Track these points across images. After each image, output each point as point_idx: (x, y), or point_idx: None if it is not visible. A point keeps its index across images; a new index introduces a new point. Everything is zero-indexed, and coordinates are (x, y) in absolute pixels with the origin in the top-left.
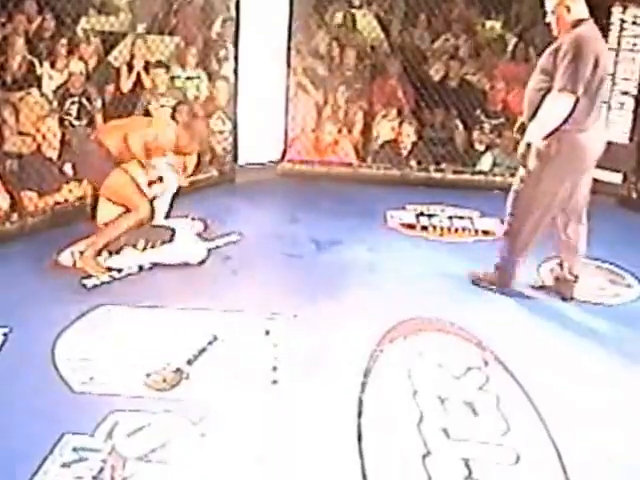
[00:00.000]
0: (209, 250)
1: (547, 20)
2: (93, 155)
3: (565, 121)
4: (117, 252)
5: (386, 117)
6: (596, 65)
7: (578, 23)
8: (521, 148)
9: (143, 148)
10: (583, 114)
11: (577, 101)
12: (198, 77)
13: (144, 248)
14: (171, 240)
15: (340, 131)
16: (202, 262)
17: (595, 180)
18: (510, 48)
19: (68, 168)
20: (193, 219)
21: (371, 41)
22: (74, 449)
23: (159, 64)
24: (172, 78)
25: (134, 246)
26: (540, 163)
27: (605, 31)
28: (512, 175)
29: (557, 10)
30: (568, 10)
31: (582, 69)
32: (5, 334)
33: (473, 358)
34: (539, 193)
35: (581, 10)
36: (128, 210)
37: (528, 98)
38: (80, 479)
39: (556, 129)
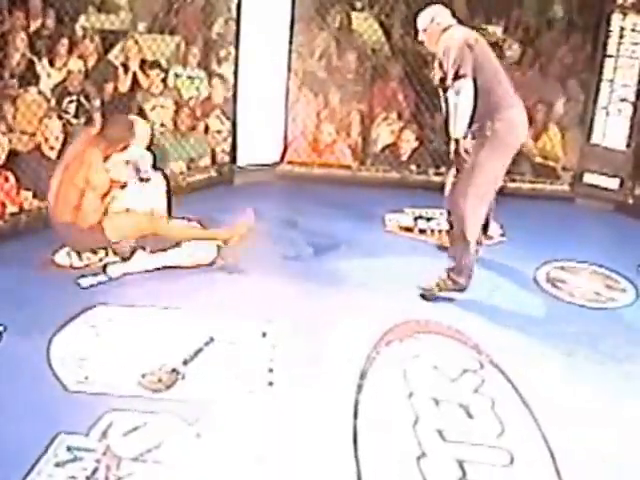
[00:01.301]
0: (219, 248)
1: (420, 39)
2: (73, 238)
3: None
4: (127, 259)
5: (386, 120)
6: (472, 49)
7: (444, 31)
8: (451, 147)
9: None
10: (502, 90)
11: (475, 82)
12: (198, 77)
13: (151, 252)
14: (178, 244)
15: (338, 132)
16: (212, 263)
17: (593, 185)
18: (509, 53)
19: None
20: (189, 220)
21: (372, 44)
22: (68, 448)
23: (154, 64)
24: (164, 80)
25: (143, 249)
26: (480, 148)
27: (605, 38)
28: (512, 180)
29: (429, 28)
30: (438, 24)
31: (461, 57)
32: (0, 333)
33: (469, 361)
34: (485, 178)
35: (447, 20)
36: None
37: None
38: (74, 479)
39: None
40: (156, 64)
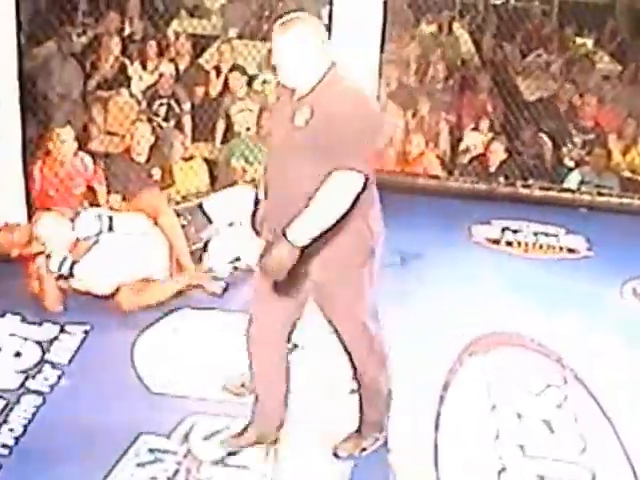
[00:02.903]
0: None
1: (295, 77)
2: None
3: None
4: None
5: (476, 130)
6: None
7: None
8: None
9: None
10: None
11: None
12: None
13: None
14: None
15: (428, 144)
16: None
17: None
18: (600, 66)
19: (156, 172)
20: None
21: (462, 54)
22: (150, 450)
23: (238, 68)
24: (249, 84)
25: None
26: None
27: None
28: (599, 194)
29: (315, 70)
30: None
31: (368, 145)
32: (86, 331)
33: (552, 375)
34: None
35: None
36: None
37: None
38: None
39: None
40: (240, 68)
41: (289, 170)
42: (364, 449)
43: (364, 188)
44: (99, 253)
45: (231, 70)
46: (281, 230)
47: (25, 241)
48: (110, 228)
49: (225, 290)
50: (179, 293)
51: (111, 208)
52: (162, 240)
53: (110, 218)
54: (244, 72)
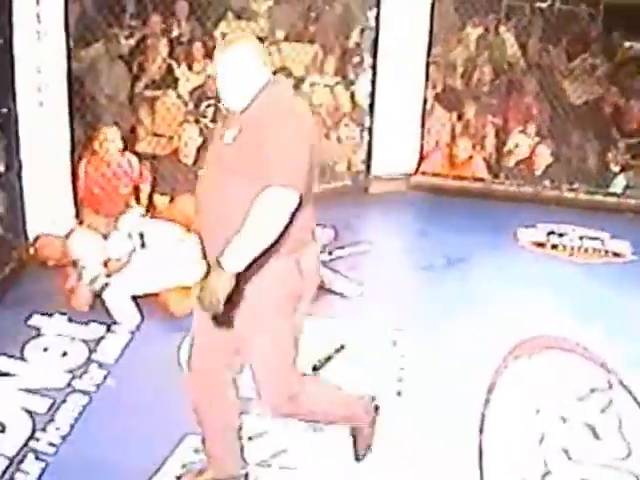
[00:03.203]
0: None
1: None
2: None
3: None
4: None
5: (523, 132)
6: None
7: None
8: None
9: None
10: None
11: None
12: (334, 85)
13: None
14: None
15: (474, 147)
16: None
17: None
18: None
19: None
20: (324, 227)
21: (508, 57)
22: (195, 451)
23: (284, 70)
24: (296, 86)
25: None
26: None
27: None
28: None
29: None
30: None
31: (301, 162)
32: (132, 332)
33: (597, 380)
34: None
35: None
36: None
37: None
38: None
39: None
40: (287, 70)
41: (219, 189)
42: (369, 445)
43: (299, 206)
44: (126, 280)
45: (278, 72)
46: (215, 258)
47: (58, 257)
48: (142, 245)
49: None
50: None
51: (152, 209)
52: (197, 246)
53: (141, 235)
54: (291, 74)
